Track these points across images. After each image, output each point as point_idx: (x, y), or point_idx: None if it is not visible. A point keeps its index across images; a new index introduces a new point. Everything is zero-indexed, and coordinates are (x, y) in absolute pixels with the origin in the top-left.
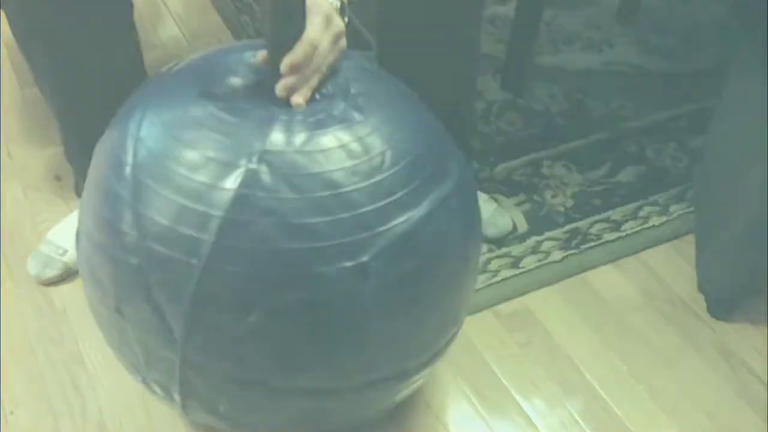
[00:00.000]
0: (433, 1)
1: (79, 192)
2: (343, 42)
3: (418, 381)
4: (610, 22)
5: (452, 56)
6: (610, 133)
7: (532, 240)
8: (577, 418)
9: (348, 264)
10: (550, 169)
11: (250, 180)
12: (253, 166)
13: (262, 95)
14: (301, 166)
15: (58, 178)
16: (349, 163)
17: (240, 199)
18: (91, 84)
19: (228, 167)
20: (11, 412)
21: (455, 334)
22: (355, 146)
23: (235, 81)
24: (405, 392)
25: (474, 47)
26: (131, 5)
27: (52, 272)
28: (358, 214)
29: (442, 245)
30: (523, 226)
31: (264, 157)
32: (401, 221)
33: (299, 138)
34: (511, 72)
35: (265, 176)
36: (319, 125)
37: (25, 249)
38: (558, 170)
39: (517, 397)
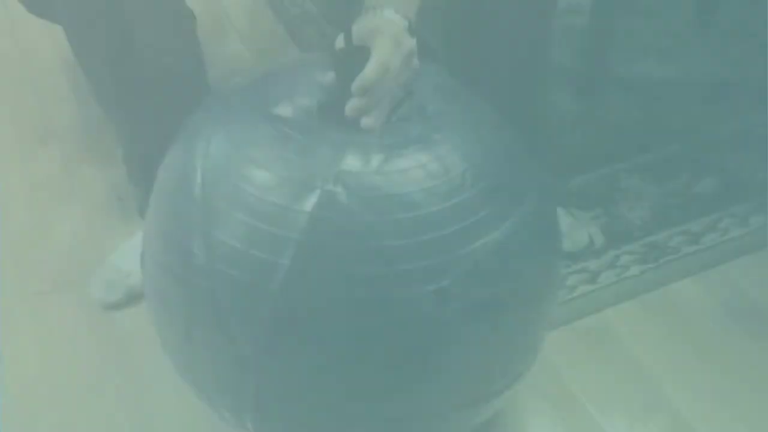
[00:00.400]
0: (501, 8)
1: (142, 213)
2: (416, 61)
3: (498, 405)
4: (688, 29)
5: (524, 67)
6: (687, 144)
7: (609, 254)
8: None
9: (428, 288)
10: (627, 181)
11: (327, 202)
12: (329, 187)
13: (331, 116)
14: (379, 187)
15: (120, 198)
16: (428, 183)
17: (316, 221)
18: (154, 101)
19: (303, 188)
20: None
21: (536, 356)
22: (434, 166)
23: (303, 100)
24: (485, 416)
25: (544, 56)
26: (194, 19)
27: (116, 296)
28: (438, 237)
29: (524, 267)
30: (599, 240)
31: (341, 177)
32: (482, 243)
33: (376, 159)
34: (585, 83)
35: (342, 198)
36: (395, 146)
37: (87, 272)
38: (634, 182)
39: (598, 419)
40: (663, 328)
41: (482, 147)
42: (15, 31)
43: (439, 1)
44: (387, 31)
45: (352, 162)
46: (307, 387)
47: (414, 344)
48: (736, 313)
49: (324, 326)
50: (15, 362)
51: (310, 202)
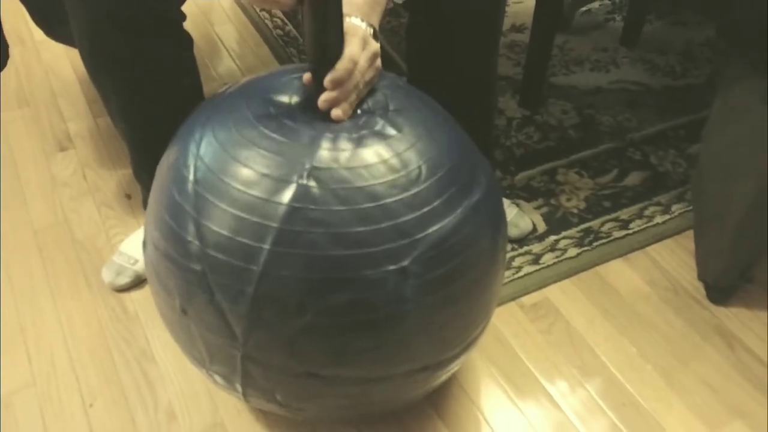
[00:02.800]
0: (455, 29)
1: (146, 207)
2: (379, 62)
3: (453, 368)
4: (615, 45)
5: (475, 77)
6: (617, 143)
7: (550, 239)
8: (596, 397)
9: (390, 268)
10: (565, 176)
11: (302, 194)
12: (303, 181)
13: (308, 112)
14: (347, 181)
15: (128, 196)
16: (389, 177)
17: (293, 211)
18: (156, 111)
19: (281, 183)
20: (90, 405)
21: (486, 325)
22: (394, 162)
23: (283, 100)
24: (442, 378)
25: (493, 69)
26: (192, 41)
27: (124, 280)
28: (399, 223)
29: (474, 248)
30: (541, 227)
31: (313, 173)
32: (437, 228)
33: (344, 155)
34: (528, 91)
35: (315, 191)
36: (361, 142)
37: (100, 260)
38: (571, 177)
39: (542, 380)
40: (597, 303)
41: (436, 143)
42: (39, 52)
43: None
44: (355, 33)
45: (323, 159)
46: (287, 356)
47: (379, 316)
48: (660, 289)
49: (300, 302)
50: (39, 338)
51: (287, 195)
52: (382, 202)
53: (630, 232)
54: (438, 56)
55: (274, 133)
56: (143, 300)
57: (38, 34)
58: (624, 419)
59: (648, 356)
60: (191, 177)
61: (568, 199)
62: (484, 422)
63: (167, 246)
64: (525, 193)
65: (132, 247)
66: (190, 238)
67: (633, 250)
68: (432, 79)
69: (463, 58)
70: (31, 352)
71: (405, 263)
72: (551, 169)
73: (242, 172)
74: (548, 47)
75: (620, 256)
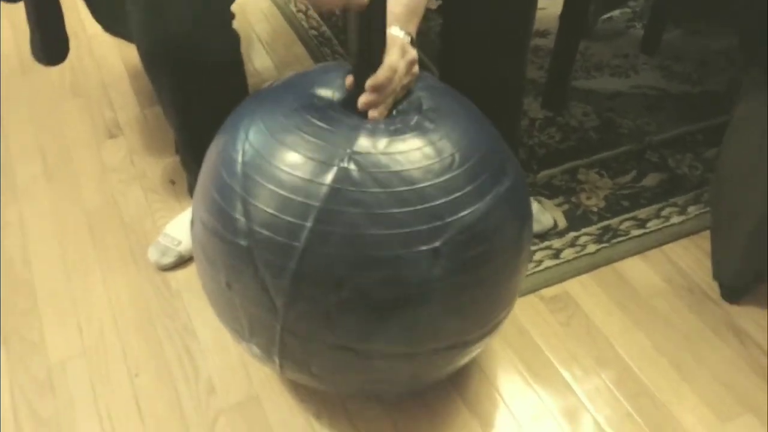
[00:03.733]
0: (487, 35)
1: (191, 192)
2: (416, 68)
3: (476, 350)
4: (635, 51)
5: (504, 81)
6: (636, 145)
7: (570, 235)
8: (610, 385)
9: (423, 248)
10: (585, 175)
11: (342, 176)
12: (344, 165)
13: (348, 109)
14: (384, 165)
15: (172, 182)
16: (424, 163)
17: (334, 192)
18: (206, 105)
19: (323, 165)
20: (136, 375)
21: (508, 312)
22: (428, 150)
23: (325, 96)
24: (465, 359)
25: (522, 74)
26: (239, 40)
27: (168, 260)
28: (432, 206)
29: (502, 234)
30: (562, 223)
31: (353, 157)
32: (468, 213)
33: (382, 143)
34: (551, 94)
35: (355, 173)
36: (397, 132)
37: (146, 241)
38: (592, 177)
39: (559, 368)
40: (614, 297)
41: (468, 135)
42: (91, 46)
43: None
44: (395, 43)
45: (362, 145)
46: (324, 329)
47: (411, 293)
48: (676, 286)
49: (338, 278)
50: (89, 311)
51: (329, 177)
52: (416, 186)
53: (647, 230)
54: (469, 60)
55: (318, 121)
56: (186, 279)
57: (90, 28)
58: (637, 408)
59: (663, 349)
60: (240, 159)
61: (588, 198)
62: (501, 403)
63: (215, 223)
64: (547, 191)
65: (176, 230)
66: (237, 216)
67: (650, 248)
68: (462, 81)
69: (493, 62)
70: (82, 324)
71: (437, 244)
72: (572, 168)
73: (288, 155)
74: (572, 52)
75: (638, 253)
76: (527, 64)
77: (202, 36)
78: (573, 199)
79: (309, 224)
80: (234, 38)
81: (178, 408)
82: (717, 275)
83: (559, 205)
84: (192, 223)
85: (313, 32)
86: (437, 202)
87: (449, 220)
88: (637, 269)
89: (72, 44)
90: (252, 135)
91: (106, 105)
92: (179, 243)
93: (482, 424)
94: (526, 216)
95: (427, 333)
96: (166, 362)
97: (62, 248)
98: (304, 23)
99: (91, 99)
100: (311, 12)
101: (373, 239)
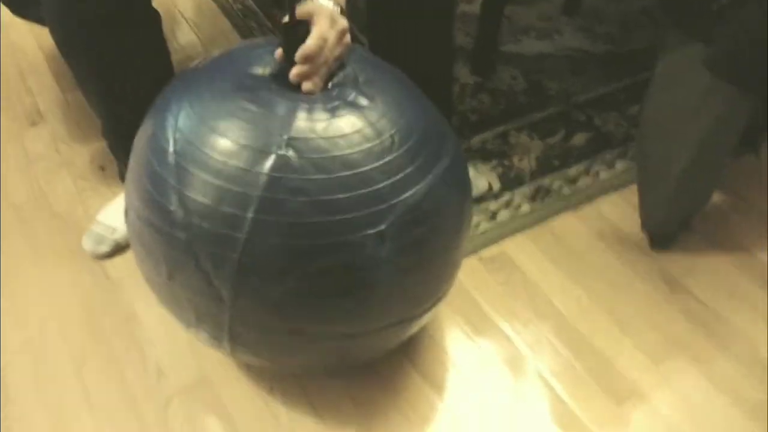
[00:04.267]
0: (412, 3)
1: (123, 178)
2: (348, 38)
3: (424, 320)
4: (558, 14)
5: (433, 48)
6: (563, 106)
7: (505, 197)
8: (550, 337)
9: (368, 232)
10: (516, 138)
11: (282, 164)
12: (282, 152)
13: (282, 85)
14: (324, 150)
15: (102, 168)
16: (365, 146)
17: (274, 181)
18: (130, 88)
19: (260, 154)
20: (83, 365)
21: (454, 281)
22: (368, 131)
23: (256, 74)
24: (414, 330)
25: (450, 40)
26: (160, 18)
27: (104, 248)
28: (375, 190)
29: (444, 211)
30: (497, 186)
31: (291, 143)
32: (411, 193)
33: (320, 125)
34: (480, 59)
35: (294, 160)
36: (335, 112)
37: (79, 231)
38: (522, 139)
39: (500, 324)
40: (549, 254)
41: (406, 112)
42: (6, 31)
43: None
44: (324, 12)
45: (300, 128)
46: (272, 316)
47: (359, 278)
48: (607, 239)
49: (284, 267)
50: (27, 307)
51: (267, 165)
52: (358, 170)
53: (578, 188)
54: (397, 28)
55: (251, 104)
56: (125, 266)
57: (4, 13)
58: (577, 355)
59: (598, 300)
60: (171, 149)
61: (521, 160)
62: (449, 363)
63: (151, 215)
64: (480, 155)
65: (109, 217)
66: (173, 208)
67: (581, 204)
68: (392, 51)
69: (422, 29)
70: (22, 322)
71: (382, 227)
72: (503, 132)
73: (222, 143)
74: (498, 17)
75: (569, 210)
76: (455, 30)
77: (122, 18)
78: (506, 162)
79: (250, 215)
80: (155, 17)
81: (128, 395)
82: (645, 226)
83: (493, 168)
84: (126, 213)
85: (238, 6)
86: (380, 185)
87: (393, 202)
88: (570, 226)
89: None
90: (182, 122)
91: (24, 91)
92: (114, 230)
93: (433, 387)
94: (467, 190)
95: (376, 313)
96: (112, 351)
97: None
98: None
99: (9, 86)
100: None
101: (317, 227)
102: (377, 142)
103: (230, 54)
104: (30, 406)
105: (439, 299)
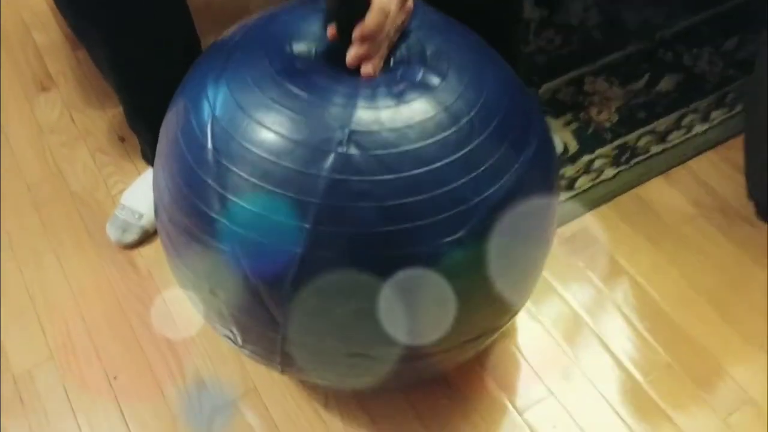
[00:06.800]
0: None
1: (146, 158)
2: (410, 2)
3: (504, 327)
4: None
5: None
6: (646, 43)
7: (583, 159)
8: (646, 336)
9: (446, 240)
10: (592, 84)
11: (343, 164)
12: (343, 149)
13: (333, 65)
14: (392, 145)
15: (122, 139)
16: (439, 135)
17: (335, 184)
18: (150, 58)
19: (318, 152)
20: (115, 378)
21: (535, 287)
22: (442, 117)
23: (304, 50)
24: (493, 339)
25: None
26: None
27: (131, 236)
28: (452, 189)
29: (531, 205)
30: (573, 146)
31: (353, 138)
32: (494, 190)
33: (386, 114)
34: None
35: (357, 159)
36: (402, 97)
37: (101, 213)
38: (600, 85)
39: (587, 319)
40: (639, 229)
41: (485, 88)
42: None
43: None
44: None
45: (363, 119)
46: (332, 338)
47: (434, 294)
48: (706, 208)
49: (347, 285)
50: (49, 305)
51: (326, 166)
52: (433, 166)
53: (668, 145)
54: None
55: (301, 91)
56: (155, 255)
57: None
58: (676, 355)
59: (697, 285)
60: (209, 144)
61: (599, 112)
62: (525, 365)
63: (187, 221)
64: (551, 109)
65: (134, 200)
66: (215, 215)
67: (673, 166)
68: None
69: None
70: (44, 323)
71: (461, 234)
72: (577, 77)
73: (270, 138)
74: None
75: (660, 173)
76: None
77: None
78: (582, 115)
79: (307, 225)
80: None
81: (167, 411)
82: (752, 192)
83: (567, 124)
84: (156, 210)
85: None
86: (458, 183)
87: (474, 202)
88: (661, 193)
89: None
90: (220, 111)
91: (30, 50)
92: (141, 216)
93: (506, 391)
94: (555, 176)
95: (453, 330)
96: (147, 358)
97: (6, 234)
98: None
99: (11, 44)
100: None
101: (386, 237)
102: (453, 129)
103: (269, 24)
104: (59, 424)
105: (524, 304)
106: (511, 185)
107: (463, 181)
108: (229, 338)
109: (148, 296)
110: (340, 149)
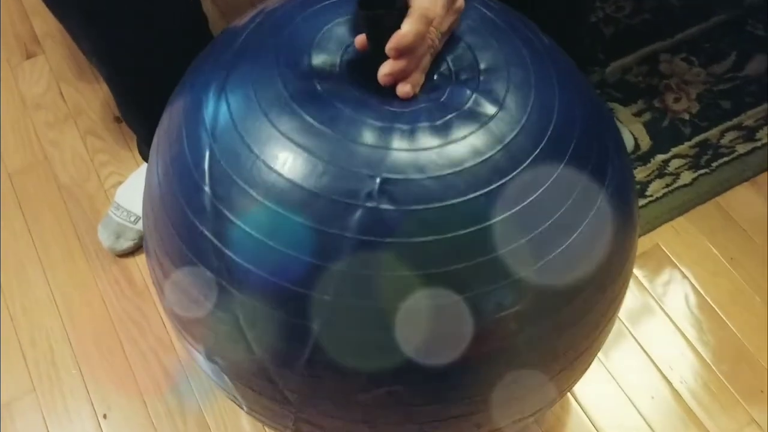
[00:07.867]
0: None
1: (142, 153)
2: (461, 1)
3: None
4: None
5: None
6: (733, 12)
7: (657, 159)
8: (726, 383)
9: (498, 316)
10: (669, 64)
11: (373, 222)
12: (373, 203)
13: (362, 85)
14: (436, 197)
15: (118, 119)
16: (494, 183)
17: (362, 247)
18: (142, 42)
19: (341, 206)
20: (104, 416)
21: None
22: (499, 157)
23: (324, 64)
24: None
25: None
26: None
27: (126, 243)
28: (508, 252)
29: (604, 260)
30: (645, 143)
31: (386, 188)
32: (559, 251)
33: (427, 156)
34: None
35: (390, 215)
36: (448, 132)
37: (93, 211)
38: (678, 65)
39: (654, 358)
40: (721, 247)
41: (553, 112)
42: None
43: None
44: None
45: (398, 165)
46: (356, 421)
47: (480, 377)
48: None
49: (374, 368)
50: (32, 325)
51: (351, 224)
52: (484, 225)
53: (758, 144)
54: None
55: (323, 126)
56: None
57: None
58: (762, 412)
59: None
60: (207, 187)
61: (677, 99)
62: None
63: (182, 278)
64: (620, 93)
65: (130, 198)
66: (216, 277)
67: (763, 170)
68: None
69: None
70: (25, 347)
71: (517, 308)
72: (651, 54)
73: (282, 186)
74: None
75: (747, 179)
76: None
77: None
78: (656, 103)
79: (328, 297)
80: None
81: None
82: None
83: (638, 114)
84: (146, 249)
85: None
86: (515, 245)
87: (534, 268)
88: (747, 203)
89: None
90: (221, 144)
91: (15, 8)
92: (137, 218)
93: None
94: (633, 214)
95: (502, 414)
96: (141, 393)
97: None
98: None
99: None
100: None
101: (426, 312)
102: (512, 175)
103: (287, 20)
104: None
105: (590, 365)
106: (582, 240)
107: (520, 242)
108: (234, 402)
109: (144, 318)
110: (369, 203)
